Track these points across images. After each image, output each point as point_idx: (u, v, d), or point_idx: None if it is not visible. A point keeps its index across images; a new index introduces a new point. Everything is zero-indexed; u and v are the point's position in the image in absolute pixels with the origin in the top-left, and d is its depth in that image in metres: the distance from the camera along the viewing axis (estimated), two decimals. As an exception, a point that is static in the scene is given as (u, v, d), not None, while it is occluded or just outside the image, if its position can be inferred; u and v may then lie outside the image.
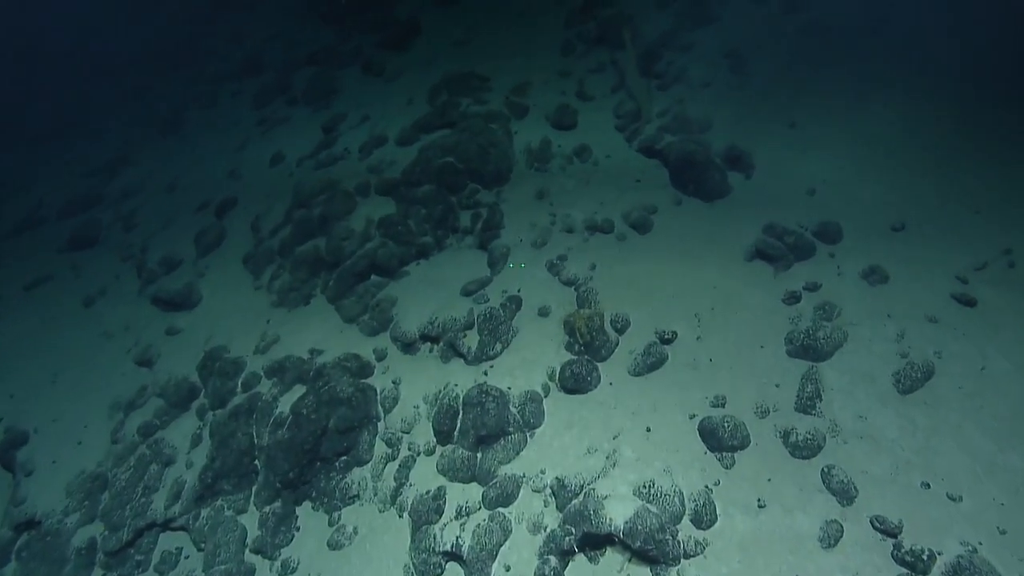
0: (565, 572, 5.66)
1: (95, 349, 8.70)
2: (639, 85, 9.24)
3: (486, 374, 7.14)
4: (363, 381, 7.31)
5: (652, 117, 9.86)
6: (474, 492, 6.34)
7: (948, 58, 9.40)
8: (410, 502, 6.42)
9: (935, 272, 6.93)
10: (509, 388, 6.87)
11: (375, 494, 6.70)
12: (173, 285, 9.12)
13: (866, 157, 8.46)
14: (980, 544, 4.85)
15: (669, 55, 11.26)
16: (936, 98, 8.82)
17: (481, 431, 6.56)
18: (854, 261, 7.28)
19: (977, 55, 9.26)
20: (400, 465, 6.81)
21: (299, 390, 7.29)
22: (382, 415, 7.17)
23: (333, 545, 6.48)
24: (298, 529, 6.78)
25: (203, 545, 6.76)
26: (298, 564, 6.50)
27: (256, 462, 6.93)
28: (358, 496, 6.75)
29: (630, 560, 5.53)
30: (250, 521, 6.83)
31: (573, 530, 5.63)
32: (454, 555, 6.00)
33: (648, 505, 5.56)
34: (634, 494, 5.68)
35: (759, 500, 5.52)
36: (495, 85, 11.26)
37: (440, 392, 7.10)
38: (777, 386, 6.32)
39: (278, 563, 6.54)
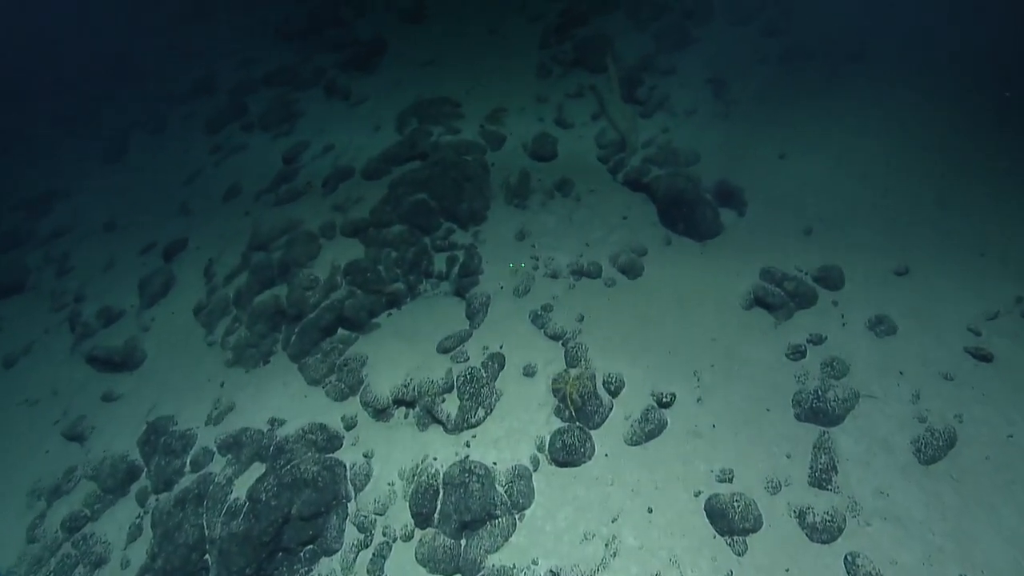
0: None
1: (14, 421, 7.64)
2: (623, 114, 8.70)
3: (468, 445, 6.44)
4: (330, 456, 6.51)
5: (637, 147, 9.33)
6: (459, 588, 5.63)
7: (940, 84, 9.14)
8: (386, 601, 5.68)
9: (945, 322, 6.53)
10: (495, 464, 6.18)
11: (346, 590, 5.92)
12: (112, 341, 8.12)
13: (861, 195, 8.08)
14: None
15: (651, 79, 10.77)
16: (929, 130, 8.51)
17: (465, 516, 5.86)
18: (859, 309, 6.84)
19: (973, 81, 9.01)
20: (374, 554, 6.04)
21: (257, 469, 6.46)
22: (352, 495, 6.39)
23: (298, 654, 5.68)
24: (258, 634, 5.95)
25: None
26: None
27: (207, 557, 6.07)
28: (327, 592, 5.97)
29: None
30: (202, 627, 5.97)
31: (574, 640, 4.98)
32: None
33: (657, 609, 4.95)
34: (641, 595, 5.05)
35: (779, 597, 4.97)
36: (468, 111, 10.58)
37: (418, 467, 6.37)
38: (788, 456, 5.79)
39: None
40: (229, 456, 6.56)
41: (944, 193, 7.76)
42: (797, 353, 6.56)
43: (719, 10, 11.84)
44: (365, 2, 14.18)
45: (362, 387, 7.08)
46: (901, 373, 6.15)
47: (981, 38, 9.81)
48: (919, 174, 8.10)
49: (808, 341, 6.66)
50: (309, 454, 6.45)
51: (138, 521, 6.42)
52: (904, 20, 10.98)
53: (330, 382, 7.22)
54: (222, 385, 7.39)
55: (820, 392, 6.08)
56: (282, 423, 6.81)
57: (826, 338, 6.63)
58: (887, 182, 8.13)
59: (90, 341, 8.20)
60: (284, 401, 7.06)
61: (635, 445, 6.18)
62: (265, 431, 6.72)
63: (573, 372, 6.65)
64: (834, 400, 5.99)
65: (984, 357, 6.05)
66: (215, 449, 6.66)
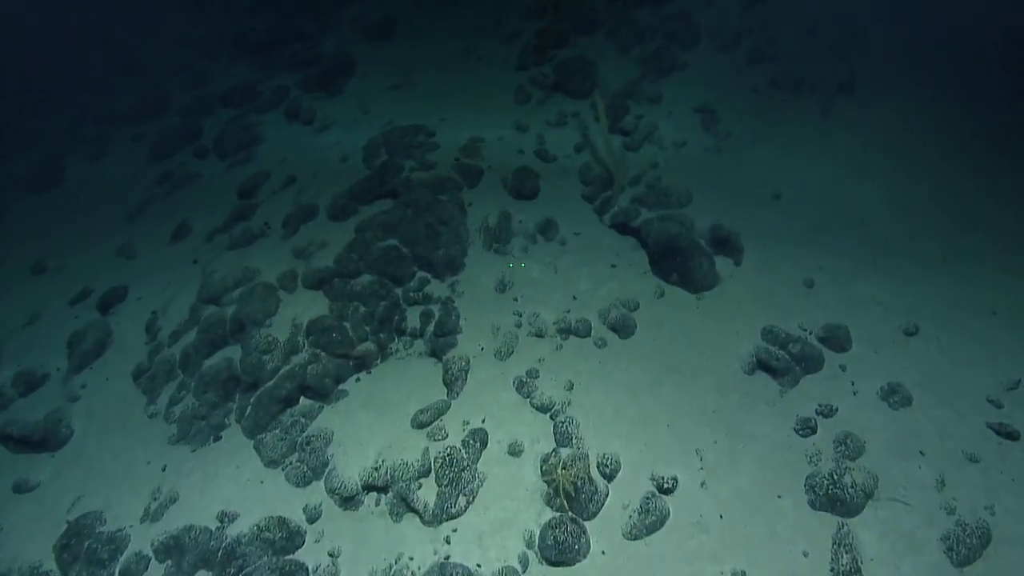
0: None
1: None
2: (610, 150, 8.05)
3: (448, 541, 5.70)
4: (290, 559, 5.69)
5: (625, 185, 8.71)
6: None
7: (939, 122, 8.79)
8: None
9: (962, 392, 6.08)
10: (479, 566, 5.46)
11: None
12: (31, 414, 7.09)
13: (861, 245, 7.62)
14: None
15: (636, 108, 10.18)
16: (930, 175, 8.13)
17: (446, 633, 5.12)
18: (869, 376, 6.34)
19: (972, 117, 8.68)
20: (341, 677, 5.25)
21: (203, 578, 5.59)
22: (316, 604, 5.58)
23: None
24: None
25: None
26: None
27: None
28: None
29: None
30: None
31: None
32: None
33: None
34: None
35: None
36: (442, 140, 9.80)
37: (391, 568, 5.60)
38: (805, 555, 5.22)
39: None
40: (169, 563, 5.68)
41: (949, 246, 7.36)
42: (807, 428, 6.02)
43: (704, 33, 11.34)
44: (330, 15, 13.26)
45: (327, 470, 6.27)
46: (922, 453, 5.66)
47: (978, 63, 9.52)
48: (922, 224, 7.69)
49: (818, 413, 6.13)
50: (265, 558, 5.61)
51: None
52: (893, 44, 10.65)
53: (291, 463, 6.39)
54: (164, 469, 6.47)
55: (835, 476, 5.55)
56: (234, 518, 5.95)
57: (837, 410, 6.11)
58: (888, 232, 7.70)
59: (3, 415, 7.14)
60: (237, 489, 6.19)
61: (635, 540, 5.53)
62: (213, 529, 5.85)
63: (564, 453, 5.98)
64: (852, 486, 5.46)
65: (1010, 435, 5.61)
66: (151, 555, 5.76)
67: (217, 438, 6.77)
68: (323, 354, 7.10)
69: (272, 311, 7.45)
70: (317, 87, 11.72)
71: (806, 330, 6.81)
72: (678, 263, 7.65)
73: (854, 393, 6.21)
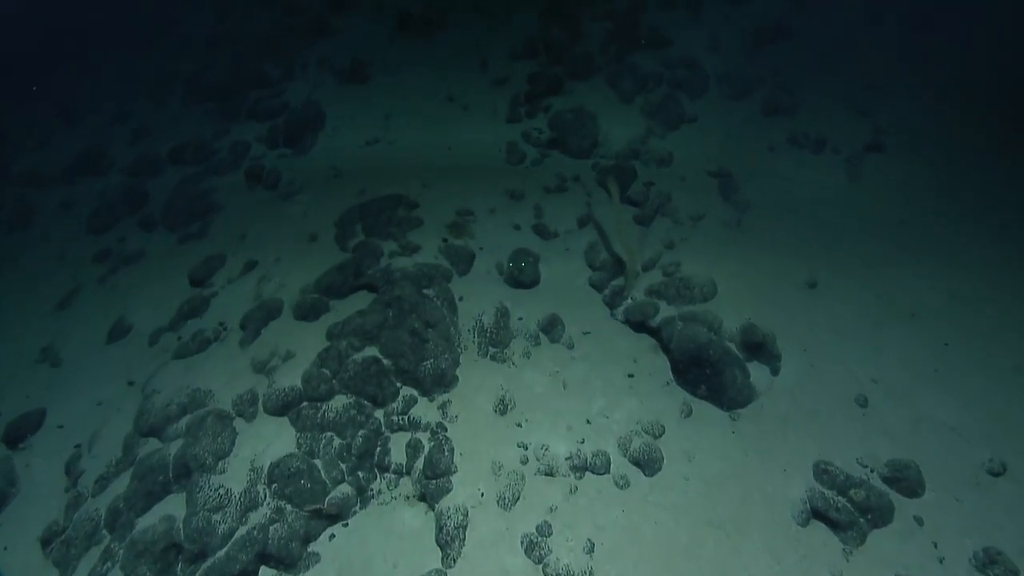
0: None
1: None
2: (625, 241, 6.91)
3: None
4: None
5: (639, 272, 7.59)
6: None
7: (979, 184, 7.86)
8: None
9: (1067, 559, 5.05)
10: None
11: None
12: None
13: (916, 349, 6.61)
14: None
15: (644, 170, 9.09)
16: (984, 252, 7.17)
17: None
18: (955, 534, 5.30)
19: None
20: None
21: None
22: None
23: None
24: None
25: None
26: None
27: None
28: None
29: None
30: None
31: None
32: None
33: None
34: None
35: None
36: (426, 213, 8.57)
37: None
38: None
39: None
40: None
41: (1022, 352, 6.38)
42: (886, 610, 4.93)
43: (713, 81, 10.31)
44: (295, 55, 11.91)
45: None
46: (1032, 654, 4.61)
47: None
48: (985, 321, 6.71)
49: (895, 586, 5.06)
50: None
51: None
52: (919, 95, 9.75)
53: (247, 667, 5.08)
54: None
55: None
56: None
57: (919, 584, 5.05)
58: (945, 330, 6.70)
59: None
60: None
61: None
62: None
63: (592, 656, 4.79)
64: None
65: None
66: None
67: (154, 629, 5.43)
68: (289, 508, 5.82)
69: (226, 450, 6.14)
70: (282, 143, 10.38)
71: (866, 466, 5.75)
72: (707, 375, 6.55)
73: (940, 560, 5.16)
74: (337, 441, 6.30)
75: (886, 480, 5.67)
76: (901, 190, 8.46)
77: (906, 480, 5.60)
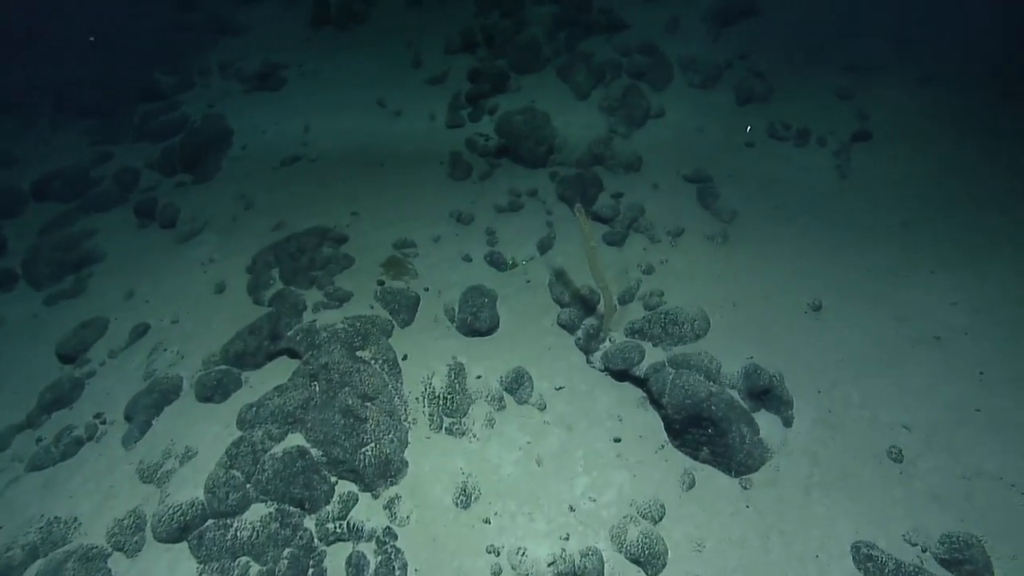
0: None
1: None
2: (599, 275, 5.66)
3: None
4: None
5: (616, 305, 6.36)
6: None
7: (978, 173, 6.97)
8: None
9: None
10: None
11: None
12: None
13: (946, 382, 5.65)
14: None
15: (610, 178, 7.86)
16: (1001, 260, 6.27)
17: None
18: (1026, 627, 4.33)
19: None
20: None
21: None
22: None
23: None
24: None
25: None
26: None
27: None
28: None
29: None
30: None
31: None
32: None
33: None
34: None
35: None
36: (357, 248, 7.13)
37: None
38: None
39: None
40: None
41: (1066, 380, 5.48)
42: None
43: (677, 68, 9.13)
44: (192, 60, 10.11)
45: None
46: None
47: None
48: (1019, 339, 5.79)
49: None
50: None
51: None
52: (896, 71, 8.83)
53: None
54: None
55: None
56: None
57: None
58: (974, 354, 5.76)
59: None
60: None
61: None
62: None
63: None
64: None
65: None
66: None
67: None
68: (191, 676, 4.39)
69: (103, 605, 4.65)
70: (180, 167, 8.67)
71: (916, 544, 4.74)
72: (709, 435, 5.42)
73: (1014, 665, 4.17)
74: (255, 569, 4.90)
75: (944, 563, 4.67)
76: (897, 185, 7.51)
77: (970, 563, 4.60)
